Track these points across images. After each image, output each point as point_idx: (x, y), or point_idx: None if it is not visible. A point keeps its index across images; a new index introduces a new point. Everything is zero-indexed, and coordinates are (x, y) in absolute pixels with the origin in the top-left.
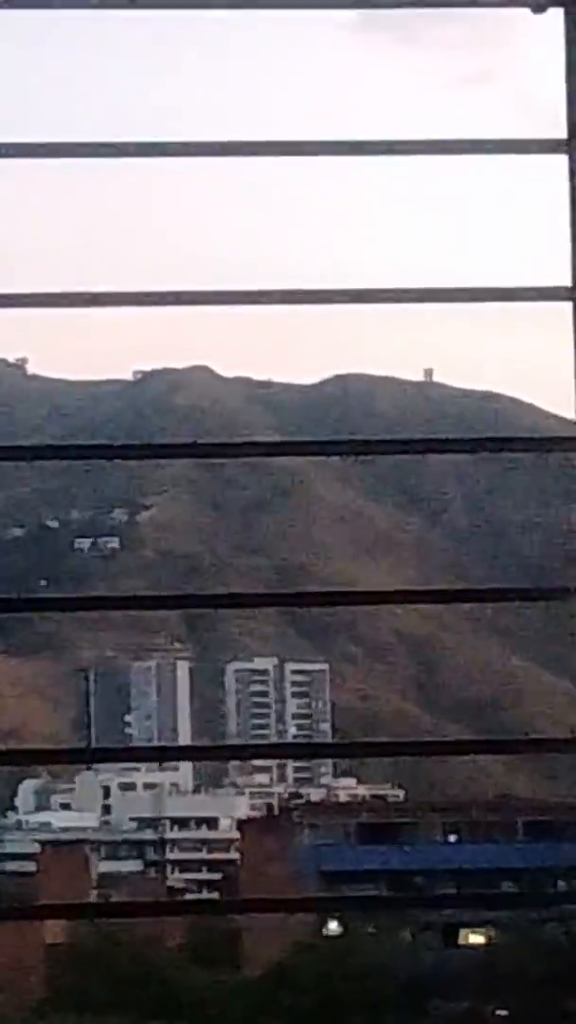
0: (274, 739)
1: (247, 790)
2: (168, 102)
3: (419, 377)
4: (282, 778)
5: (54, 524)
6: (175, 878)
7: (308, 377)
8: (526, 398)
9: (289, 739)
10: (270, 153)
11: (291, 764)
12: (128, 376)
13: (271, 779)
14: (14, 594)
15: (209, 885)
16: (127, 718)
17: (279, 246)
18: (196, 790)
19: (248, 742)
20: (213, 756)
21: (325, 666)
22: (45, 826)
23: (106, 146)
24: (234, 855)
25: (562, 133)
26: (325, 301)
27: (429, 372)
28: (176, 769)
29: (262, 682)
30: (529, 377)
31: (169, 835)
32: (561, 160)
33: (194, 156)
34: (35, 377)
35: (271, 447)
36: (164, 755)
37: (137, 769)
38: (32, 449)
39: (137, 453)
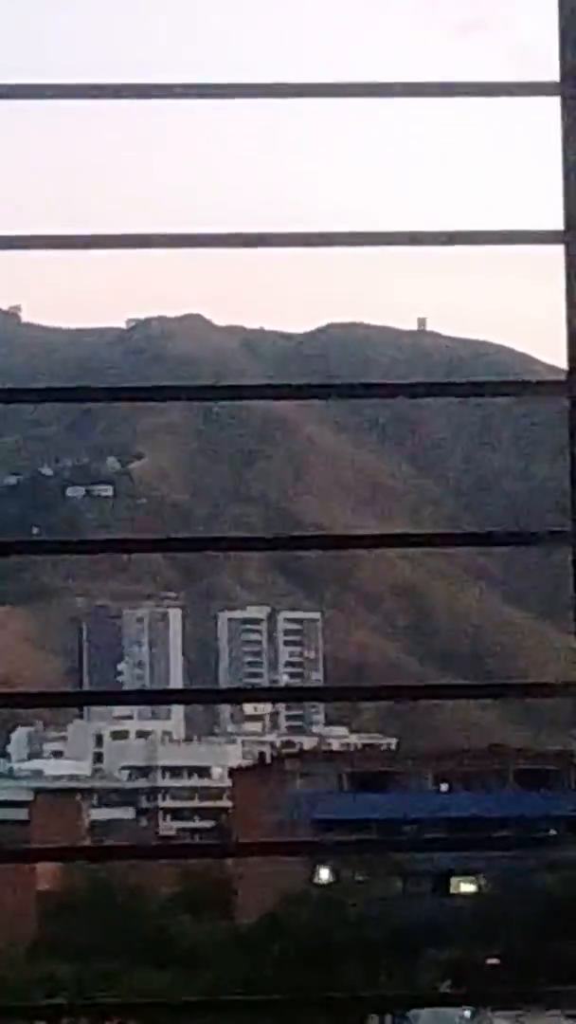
0: None
1: (239, 739)
2: (166, 42)
3: (412, 326)
4: (274, 727)
5: (47, 472)
6: (167, 826)
7: (301, 326)
8: (519, 347)
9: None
10: (265, 95)
11: (283, 713)
12: (122, 324)
13: (263, 728)
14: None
15: (201, 833)
16: (119, 666)
17: (273, 192)
18: (188, 739)
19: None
20: (199, 700)
21: (318, 615)
22: (37, 774)
23: (102, 88)
24: (226, 803)
25: (555, 78)
26: (314, 244)
27: (422, 321)
28: (169, 718)
29: (255, 631)
30: (523, 326)
31: (161, 783)
32: (553, 104)
33: (189, 98)
34: (29, 325)
35: (261, 390)
36: (152, 698)
37: (130, 717)
38: (25, 392)
39: (129, 396)
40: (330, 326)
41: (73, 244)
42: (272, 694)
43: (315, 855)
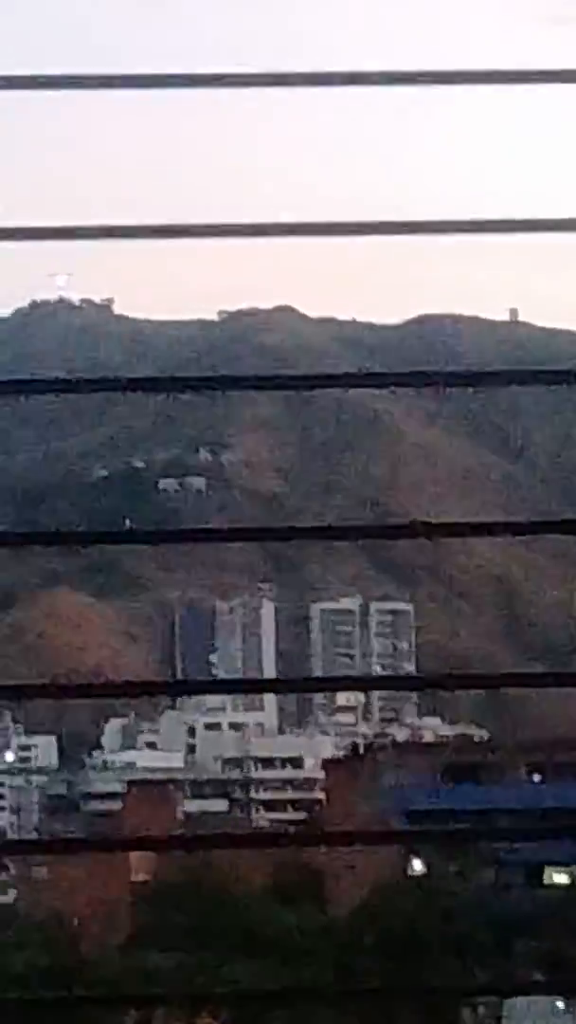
0: None
1: (332, 730)
2: (250, 32)
3: (504, 317)
4: (367, 718)
5: (139, 464)
6: (260, 818)
7: (393, 317)
8: None
9: None
10: (343, 84)
11: (376, 704)
12: (213, 317)
13: (356, 719)
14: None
15: (294, 825)
16: (211, 658)
17: (360, 183)
18: (281, 730)
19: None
20: (289, 689)
21: (410, 606)
22: (130, 765)
23: (176, 77)
24: (319, 795)
25: None
26: (399, 232)
27: (514, 312)
28: (262, 709)
29: (347, 622)
30: None
31: (254, 775)
32: None
33: (276, 87)
34: (121, 317)
35: (351, 379)
36: (242, 687)
37: (222, 709)
38: (116, 382)
39: (220, 385)
40: (422, 317)
41: (166, 234)
42: (357, 684)
43: (404, 844)
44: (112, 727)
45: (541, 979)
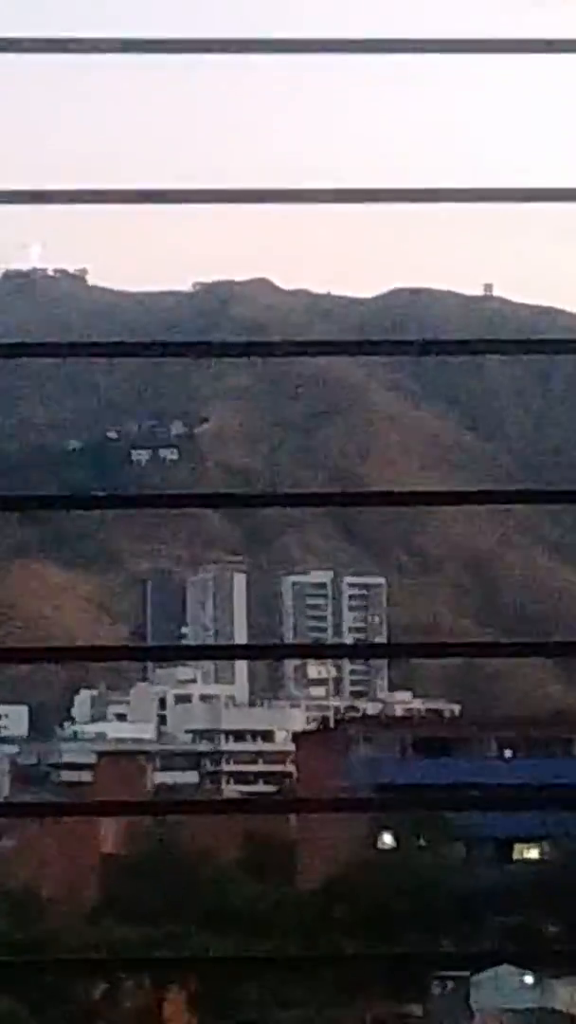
0: None
1: (303, 703)
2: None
3: (479, 291)
4: (338, 692)
5: (112, 436)
6: (231, 790)
7: (368, 290)
8: None
9: None
10: (340, 50)
11: (347, 678)
12: (188, 288)
13: (327, 692)
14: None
15: (265, 797)
16: (183, 630)
17: (349, 153)
18: (252, 703)
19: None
20: (256, 656)
21: (382, 580)
22: (101, 737)
23: (154, 42)
24: (290, 768)
25: None
26: (382, 200)
27: (489, 287)
28: (232, 682)
29: (319, 595)
30: None
31: (225, 747)
32: None
33: (248, 53)
34: (95, 288)
35: (318, 347)
36: (210, 654)
37: (193, 681)
38: (91, 346)
39: (188, 351)
40: (396, 291)
41: (138, 199)
42: (326, 651)
43: (372, 812)
44: (82, 698)
45: (509, 951)
